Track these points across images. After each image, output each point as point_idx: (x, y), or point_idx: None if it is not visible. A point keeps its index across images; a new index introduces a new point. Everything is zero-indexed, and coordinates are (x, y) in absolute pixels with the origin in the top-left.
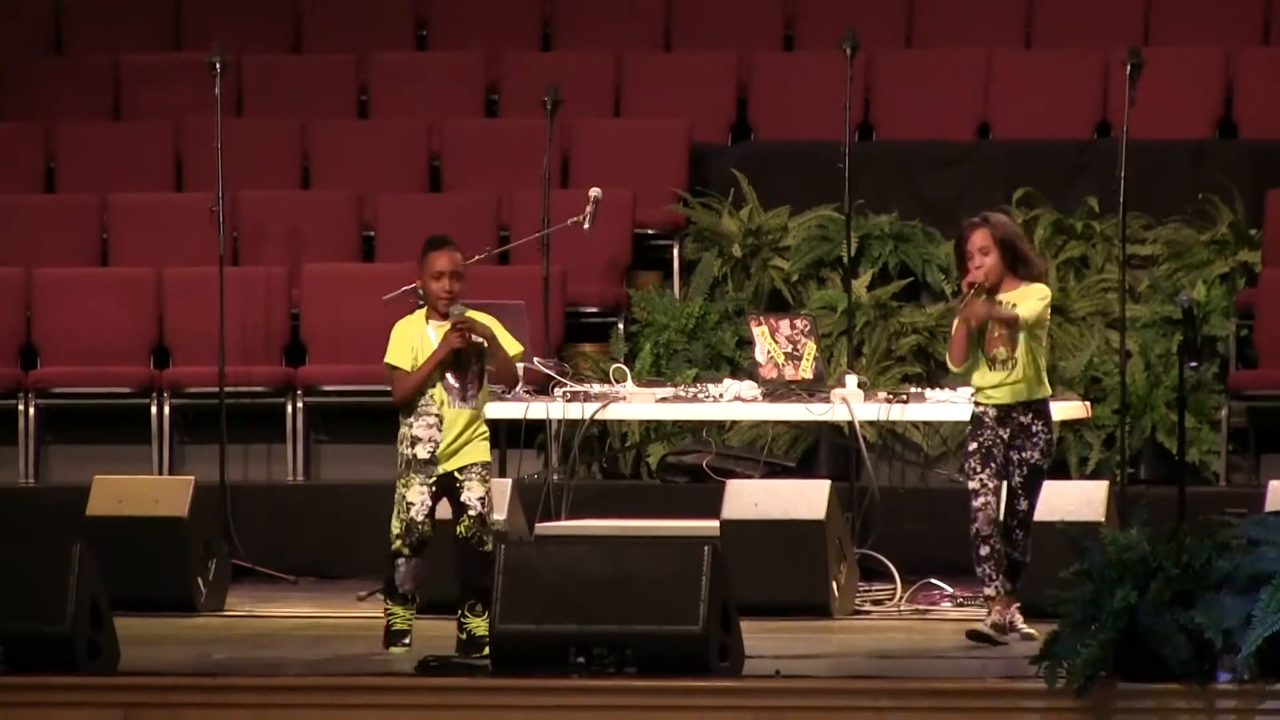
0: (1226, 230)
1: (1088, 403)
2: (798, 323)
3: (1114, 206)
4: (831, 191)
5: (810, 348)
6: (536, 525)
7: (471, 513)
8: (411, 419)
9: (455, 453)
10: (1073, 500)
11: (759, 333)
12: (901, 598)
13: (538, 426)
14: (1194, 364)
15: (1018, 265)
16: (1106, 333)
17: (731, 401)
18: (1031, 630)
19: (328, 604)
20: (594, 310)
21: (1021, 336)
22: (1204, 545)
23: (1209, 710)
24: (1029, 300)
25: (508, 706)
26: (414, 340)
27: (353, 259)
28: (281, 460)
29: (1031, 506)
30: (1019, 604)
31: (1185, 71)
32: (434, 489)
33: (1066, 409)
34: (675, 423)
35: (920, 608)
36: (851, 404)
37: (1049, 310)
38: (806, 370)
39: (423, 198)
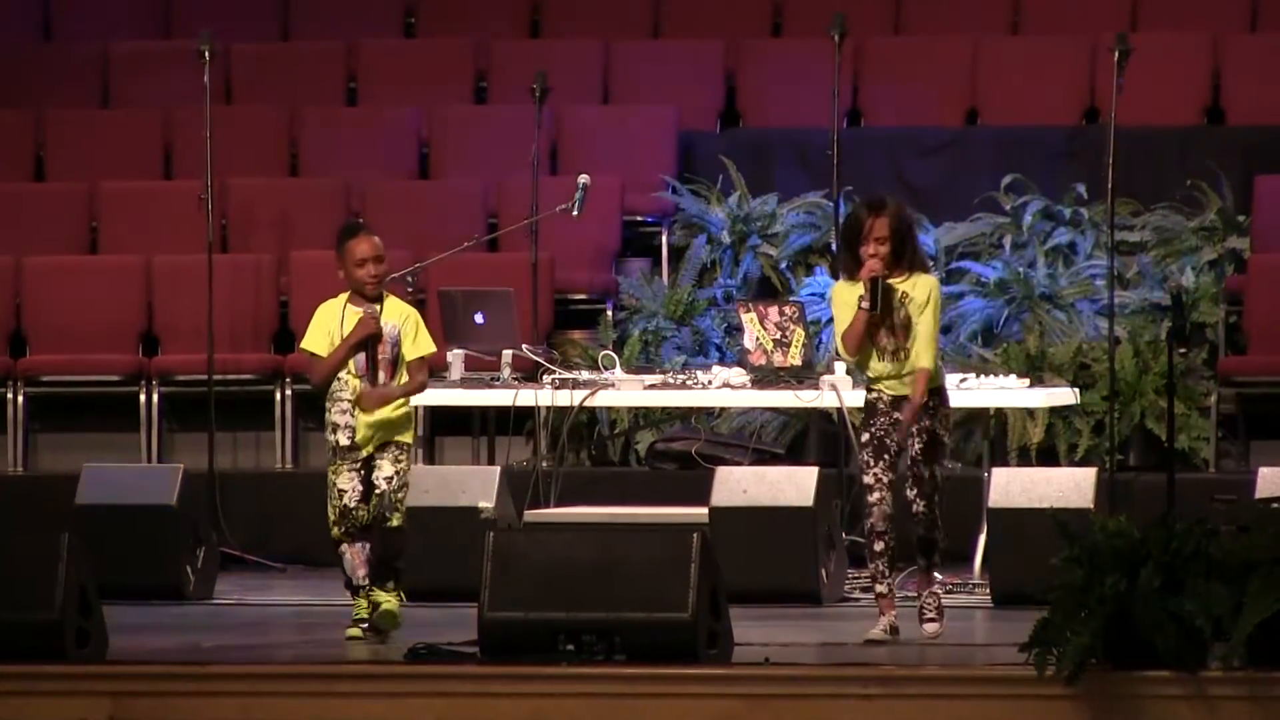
0: (1215, 216)
1: (1076, 389)
2: (786, 309)
3: (1102, 193)
4: (820, 178)
5: (799, 334)
6: (525, 513)
7: (378, 490)
8: (329, 404)
9: (373, 437)
10: (1062, 487)
11: (748, 319)
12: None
13: (526, 413)
14: (1183, 350)
15: (907, 254)
16: (1095, 319)
17: (720, 388)
18: (936, 628)
19: (316, 591)
20: (582, 297)
21: (914, 327)
22: (1194, 532)
23: (1199, 697)
24: (921, 303)
25: (496, 694)
26: (331, 325)
27: None
28: (270, 447)
29: (932, 475)
30: (937, 584)
31: (1173, 58)
32: (362, 472)
33: (1055, 395)
34: (664, 410)
35: (909, 594)
36: (840, 390)
37: (940, 299)
38: (795, 357)
39: (412, 185)
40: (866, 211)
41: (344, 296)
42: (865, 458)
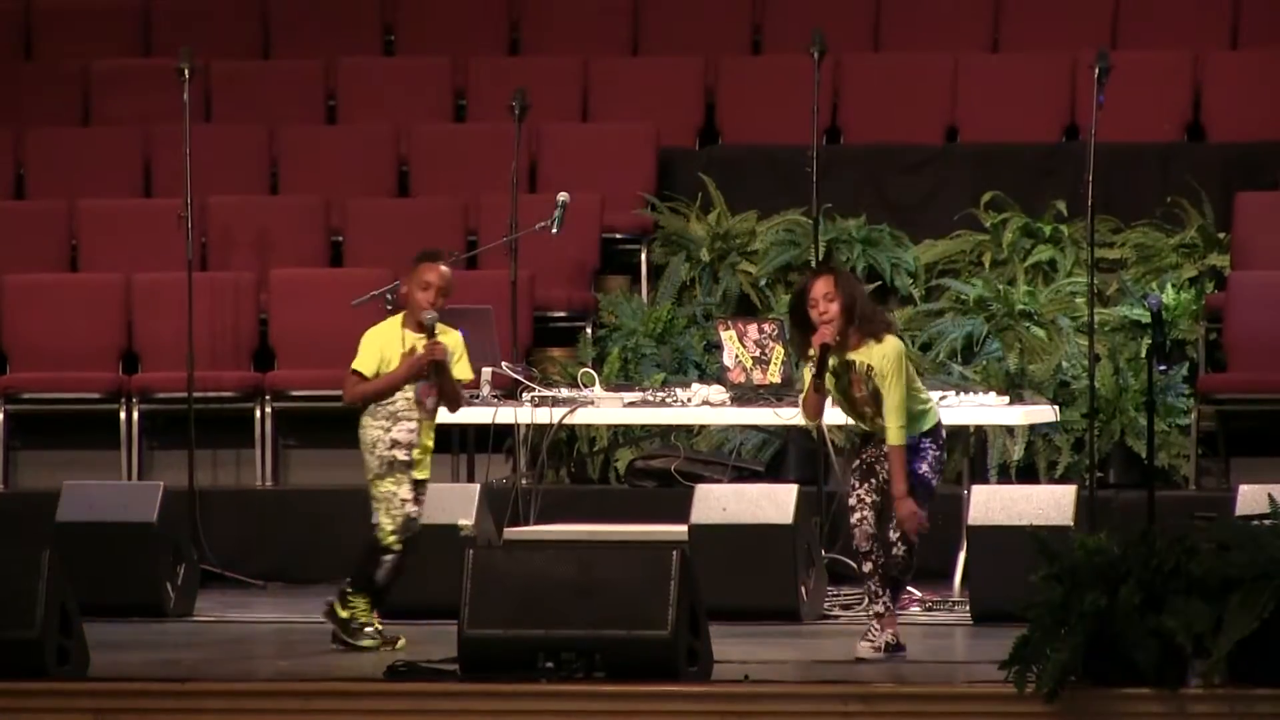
0: (1195, 233)
1: (1056, 407)
2: (766, 327)
3: (1082, 210)
4: (799, 195)
5: (778, 352)
6: (505, 530)
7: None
8: (388, 423)
9: (421, 462)
10: (1041, 504)
11: (727, 337)
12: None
13: (506, 431)
14: (1163, 367)
15: (858, 319)
16: (1075, 336)
17: (699, 406)
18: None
19: (296, 609)
20: (562, 314)
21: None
22: (1174, 549)
23: (1179, 714)
24: (884, 373)
25: (476, 712)
26: (385, 349)
27: (321, 264)
28: (250, 465)
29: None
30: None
31: (1153, 75)
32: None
33: (1035, 413)
34: (643, 427)
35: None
36: None
37: (905, 362)
38: (774, 374)
39: (391, 203)
40: (808, 275)
41: (395, 321)
42: (853, 480)
